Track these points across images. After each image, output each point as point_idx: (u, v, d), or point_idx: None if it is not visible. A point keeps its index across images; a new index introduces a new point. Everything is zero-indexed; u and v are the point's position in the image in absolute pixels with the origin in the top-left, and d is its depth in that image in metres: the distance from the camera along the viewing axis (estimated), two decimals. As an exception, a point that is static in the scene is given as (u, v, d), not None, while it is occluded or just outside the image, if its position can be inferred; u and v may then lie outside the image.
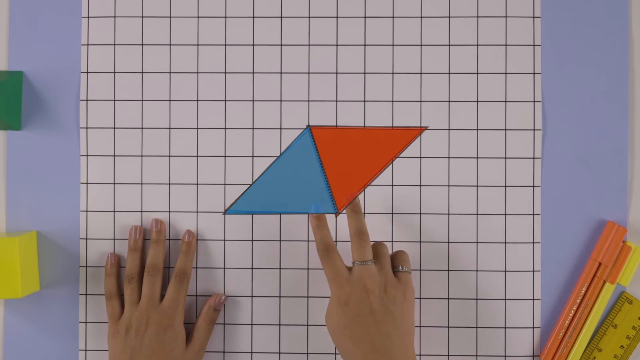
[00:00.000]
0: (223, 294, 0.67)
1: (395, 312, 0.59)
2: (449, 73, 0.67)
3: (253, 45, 0.68)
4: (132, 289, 0.65)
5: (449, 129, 0.67)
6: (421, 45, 0.68)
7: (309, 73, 0.68)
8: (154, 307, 0.64)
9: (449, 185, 0.67)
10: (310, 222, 0.65)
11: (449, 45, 0.67)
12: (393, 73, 0.68)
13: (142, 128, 0.68)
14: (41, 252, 0.68)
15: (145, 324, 0.63)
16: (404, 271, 0.62)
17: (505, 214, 0.67)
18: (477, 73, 0.67)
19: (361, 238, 0.62)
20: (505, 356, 0.67)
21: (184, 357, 0.64)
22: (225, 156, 0.68)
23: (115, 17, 0.68)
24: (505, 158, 0.67)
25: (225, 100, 0.68)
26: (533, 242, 0.67)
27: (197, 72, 0.68)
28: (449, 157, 0.67)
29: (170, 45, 0.68)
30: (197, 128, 0.68)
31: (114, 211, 0.68)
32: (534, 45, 0.67)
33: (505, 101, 0.67)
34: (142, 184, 0.68)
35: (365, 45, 0.68)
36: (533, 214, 0.67)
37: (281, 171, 0.67)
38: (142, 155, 0.68)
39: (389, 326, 0.59)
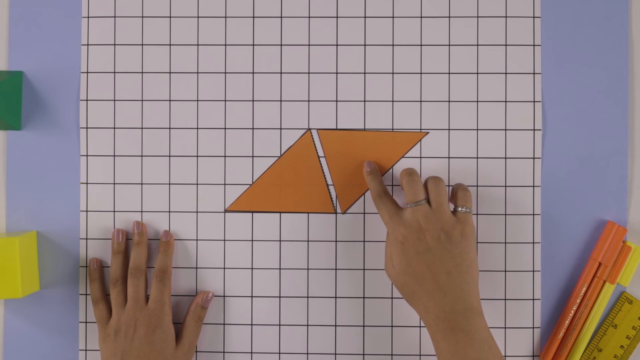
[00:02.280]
0: (210, 292, 0.67)
1: (454, 250, 0.59)
2: (449, 73, 0.67)
3: (253, 45, 0.68)
4: (117, 292, 0.65)
5: (449, 129, 0.67)
6: (421, 45, 0.68)
7: (309, 73, 0.68)
8: (140, 308, 0.64)
9: (449, 185, 0.67)
10: (364, 172, 0.66)
11: (449, 45, 0.67)
12: (393, 73, 0.67)
13: (142, 128, 0.68)
14: (41, 252, 0.68)
15: (133, 326, 0.63)
16: (465, 212, 0.61)
17: (505, 214, 0.67)
18: (477, 73, 0.67)
19: (411, 179, 0.62)
20: (505, 356, 0.67)
21: (174, 357, 0.64)
22: (225, 156, 0.68)
23: (115, 17, 0.68)
24: (505, 158, 0.67)
25: (225, 100, 0.68)
26: (533, 242, 0.67)
27: (197, 72, 0.68)
28: (449, 157, 0.67)
29: (170, 45, 0.68)
30: (197, 128, 0.68)
31: (114, 211, 0.68)
32: (534, 45, 0.67)
33: (505, 101, 0.67)
34: (142, 184, 0.68)
35: (365, 45, 0.68)
36: (533, 214, 0.67)
37: (282, 171, 0.67)
38: (142, 155, 0.68)
39: (448, 264, 0.59)
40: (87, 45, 0.68)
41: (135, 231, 0.66)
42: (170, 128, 0.68)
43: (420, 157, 0.67)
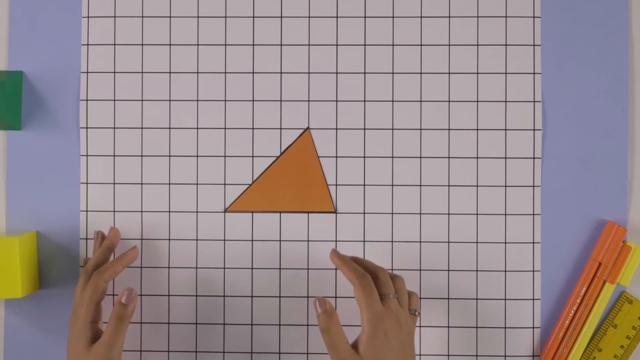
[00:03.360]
0: (133, 289, 0.63)
1: (411, 343, 0.60)
2: (449, 73, 0.67)
3: (253, 45, 0.68)
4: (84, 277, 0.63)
5: (449, 129, 0.67)
6: (421, 45, 0.68)
7: (309, 73, 0.68)
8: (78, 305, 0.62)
9: (449, 185, 0.67)
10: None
11: (449, 45, 0.67)
12: (393, 73, 0.68)
13: (142, 128, 0.68)
14: (41, 252, 0.68)
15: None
16: (416, 315, 0.62)
17: (505, 214, 0.67)
18: (477, 73, 0.67)
19: (384, 272, 0.61)
20: (505, 356, 0.67)
21: (86, 355, 0.60)
22: (225, 156, 0.68)
23: (115, 17, 0.68)
24: (505, 158, 0.67)
25: (225, 100, 0.68)
26: (533, 242, 0.67)
27: (197, 72, 0.68)
28: (449, 157, 0.67)
29: (170, 45, 0.68)
30: (197, 128, 0.68)
31: (114, 211, 0.68)
32: (534, 45, 0.67)
33: (505, 101, 0.67)
34: (142, 184, 0.68)
35: (365, 45, 0.68)
36: (533, 214, 0.67)
37: (281, 171, 0.67)
38: (142, 155, 0.68)
39: (410, 357, 0.60)
40: (87, 45, 0.68)
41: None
42: (170, 128, 0.68)
43: (420, 157, 0.67)
